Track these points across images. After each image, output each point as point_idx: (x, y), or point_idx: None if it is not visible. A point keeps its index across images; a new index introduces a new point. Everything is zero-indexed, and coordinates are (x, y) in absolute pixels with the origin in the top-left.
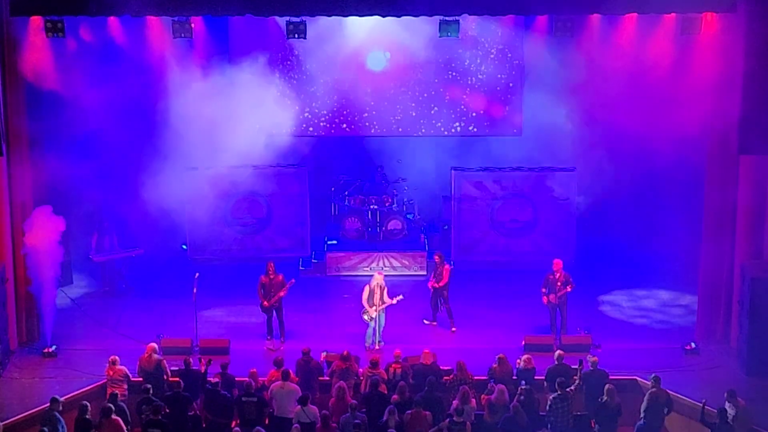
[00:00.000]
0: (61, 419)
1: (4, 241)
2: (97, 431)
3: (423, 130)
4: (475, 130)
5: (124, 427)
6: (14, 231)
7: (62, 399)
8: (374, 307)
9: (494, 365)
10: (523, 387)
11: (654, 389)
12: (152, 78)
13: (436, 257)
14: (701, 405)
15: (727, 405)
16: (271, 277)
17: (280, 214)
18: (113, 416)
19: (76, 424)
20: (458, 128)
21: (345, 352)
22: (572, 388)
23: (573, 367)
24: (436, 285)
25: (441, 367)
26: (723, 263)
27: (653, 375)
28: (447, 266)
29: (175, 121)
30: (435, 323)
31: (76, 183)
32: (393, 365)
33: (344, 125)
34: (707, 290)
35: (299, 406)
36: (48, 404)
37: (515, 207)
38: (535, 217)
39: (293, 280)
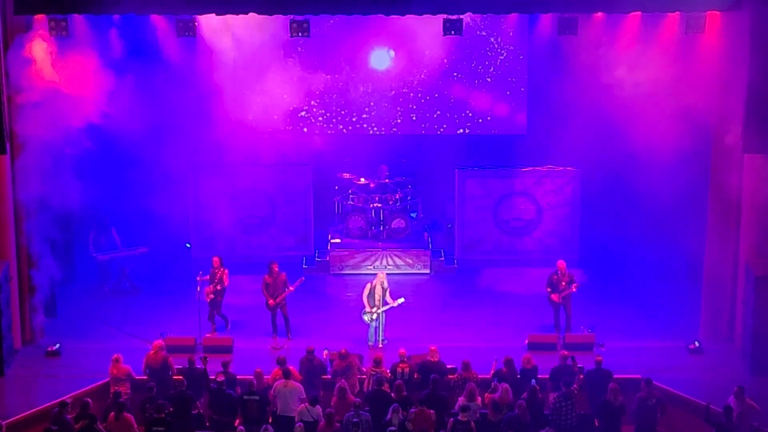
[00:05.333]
0: (70, 422)
1: (8, 240)
2: (108, 429)
3: (424, 132)
4: (479, 132)
5: (135, 425)
6: (17, 229)
7: (67, 398)
8: (374, 308)
9: (503, 368)
10: (532, 385)
11: (642, 392)
12: (155, 75)
13: (215, 260)
14: (705, 405)
15: (733, 402)
16: (275, 275)
17: (283, 212)
18: (125, 413)
19: (76, 421)
20: (461, 132)
21: (343, 350)
22: (575, 386)
23: (578, 366)
24: (214, 291)
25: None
26: (727, 262)
27: (645, 378)
28: (226, 270)
29: (178, 118)
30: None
31: (78, 180)
32: (400, 365)
33: (341, 126)
34: (712, 289)
35: (305, 405)
36: (56, 407)
37: (519, 206)
38: (538, 215)
39: (303, 279)
